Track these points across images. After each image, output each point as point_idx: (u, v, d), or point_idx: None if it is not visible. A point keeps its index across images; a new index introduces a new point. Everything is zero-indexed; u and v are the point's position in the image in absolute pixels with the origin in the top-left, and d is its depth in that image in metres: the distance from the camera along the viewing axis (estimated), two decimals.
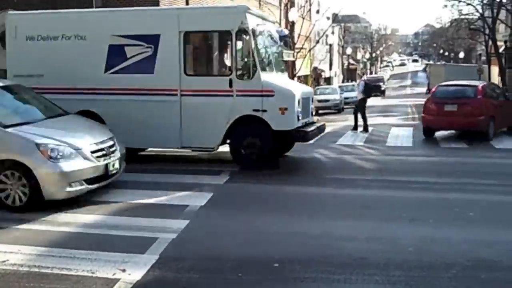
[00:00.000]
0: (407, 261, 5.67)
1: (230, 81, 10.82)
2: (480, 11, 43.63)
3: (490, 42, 43.44)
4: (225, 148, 14.57)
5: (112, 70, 11.48)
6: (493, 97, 16.56)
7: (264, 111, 10.66)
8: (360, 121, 18.77)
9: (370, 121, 24.25)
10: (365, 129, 18.41)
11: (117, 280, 5.22)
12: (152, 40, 11.24)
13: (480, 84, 16.85)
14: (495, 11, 39.89)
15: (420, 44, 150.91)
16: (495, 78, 44.40)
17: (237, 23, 10.71)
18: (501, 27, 44.34)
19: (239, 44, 10.98)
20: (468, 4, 43.53)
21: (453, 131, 16.56)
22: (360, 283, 5.16)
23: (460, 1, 44.15)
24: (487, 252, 5.98)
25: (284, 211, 7.84)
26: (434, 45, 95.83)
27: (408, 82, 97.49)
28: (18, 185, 7.71)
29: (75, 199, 8.02)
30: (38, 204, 7.73)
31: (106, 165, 8.36)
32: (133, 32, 11.38)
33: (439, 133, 16.54)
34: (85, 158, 8.02)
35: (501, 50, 40.21)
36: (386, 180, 10.12)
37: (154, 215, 7.48)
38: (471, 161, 12.30)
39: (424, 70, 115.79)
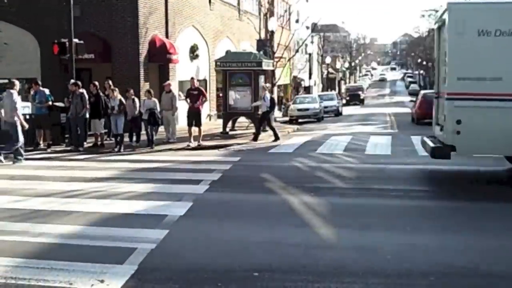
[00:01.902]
0: (386, 269, 5.71)
1: None
2: None
3: None
4: (206, 157, 14.59)
5: None
6: None
7: None
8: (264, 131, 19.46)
9: (350, 129, 24.49)
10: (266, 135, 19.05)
11: None
12: None
13: None
14: None
15: (398, 53, 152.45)
16: None
17: None
18: None
19: None
20: None
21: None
22: None
23: (437, 11, 44.78)
24: (463, 259, 6.05)
25: (263, 220, 7.84)
26: (413, 54, 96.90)
27: (387, 91, 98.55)
28: None
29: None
30: None
31: None
32: None
33: (415, 137, 16.84)
34: None
35: None
36: (365, 188, 10.19)
37: (133, 225, 7.42)
38: (449, 169, 12.44)
39: (403, 79, 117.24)
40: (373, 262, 5.92)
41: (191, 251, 6.45)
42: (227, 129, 20.86)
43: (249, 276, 5.54)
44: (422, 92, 32.08)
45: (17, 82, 14.32)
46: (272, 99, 19.88)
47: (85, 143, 16.57)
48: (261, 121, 19.42)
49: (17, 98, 13.80)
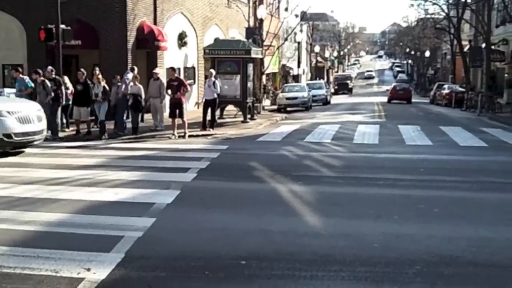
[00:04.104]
0: (373, 257, 5.72)
1: None
2: (446, 10, 44.36)
3: (455, 42, 44.20)
4: (194, 145, 14.54)
5: None
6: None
7: None
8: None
9: (338, 118, 24.51)
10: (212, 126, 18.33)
11: (82, 279, 5.13)
12: None
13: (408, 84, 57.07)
14: (460, 11, 40.59)
15: (387, 42, 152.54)
16: (460, 76, 45.13)
17: None
18: (465, 27, 45.17)
19: None
20: (434, 4, 44.33)
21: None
22: (326, 279, 5.18)
23: (426, 1, 44.90)
24: (450, 248, 6.08)
25: (251, 209, 7.84)
26: (401, 44, 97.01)
27: (375, 80, 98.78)
28: None
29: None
30: None
31: None
32: None
33: (403, 126, 16.89)
34: None
35: (465, 49, 40.95)
36: (353, 177, 10.21)
37: (120, 213, 7.38)
38: (435, 158, 12.51)
39: (391, 68, 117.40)
40: (360, 251, 5.93)
41: (178, 239, 6.42)
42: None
43: (237, 264, 5.53)
44: (393, 84, 53.51)
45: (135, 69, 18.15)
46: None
47: (66, 130, 16.65)
48: (213, 109, 18.32)
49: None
